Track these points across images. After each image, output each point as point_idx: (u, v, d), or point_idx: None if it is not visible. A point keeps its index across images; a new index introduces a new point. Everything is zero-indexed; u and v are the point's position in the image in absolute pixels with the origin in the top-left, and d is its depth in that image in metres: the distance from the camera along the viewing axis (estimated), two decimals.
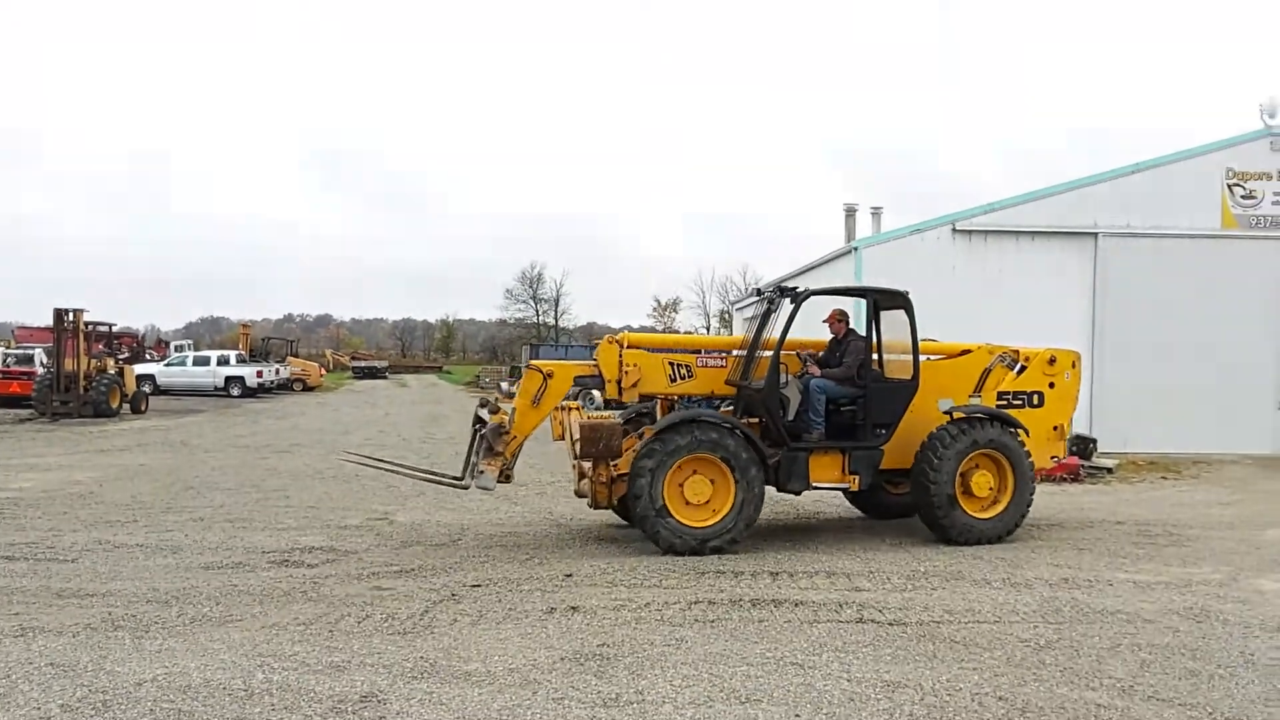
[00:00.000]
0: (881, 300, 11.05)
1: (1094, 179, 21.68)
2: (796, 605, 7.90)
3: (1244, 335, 21.29)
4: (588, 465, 10.48)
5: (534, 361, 11.84)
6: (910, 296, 10.82)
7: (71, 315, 29.66)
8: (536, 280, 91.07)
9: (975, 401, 11.10)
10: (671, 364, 10.74)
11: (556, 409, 10.85)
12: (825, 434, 10.44)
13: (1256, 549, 10.76)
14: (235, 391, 41.24)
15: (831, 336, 11.16)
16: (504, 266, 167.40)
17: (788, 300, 10.50)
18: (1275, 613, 8.01)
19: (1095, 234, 21.39)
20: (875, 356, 10.92)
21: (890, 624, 7.47)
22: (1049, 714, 5.68)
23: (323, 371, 55.51)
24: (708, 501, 9.98)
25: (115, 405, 30.16)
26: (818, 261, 26.12)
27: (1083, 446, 18.39)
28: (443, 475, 10.88)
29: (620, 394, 10.72)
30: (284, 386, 46.77)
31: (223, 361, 42.96)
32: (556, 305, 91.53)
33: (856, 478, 10.51)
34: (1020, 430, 10.80)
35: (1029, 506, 10.78)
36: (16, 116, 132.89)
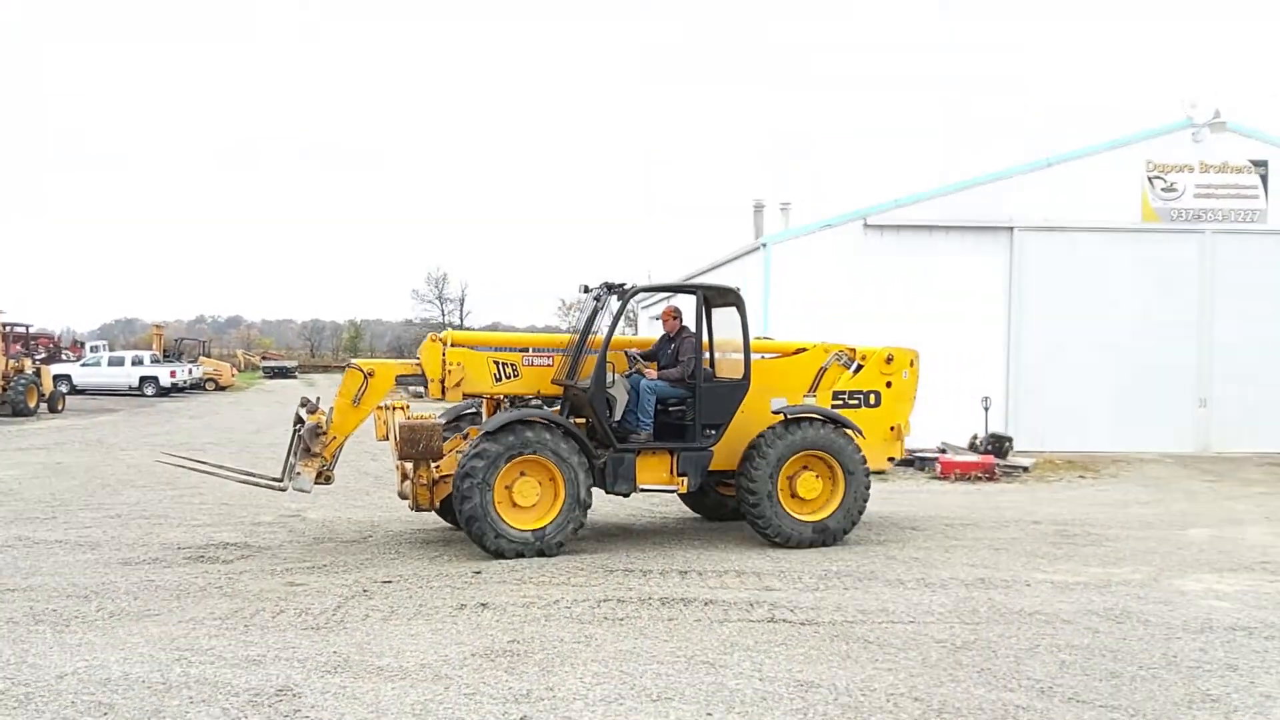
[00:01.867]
0: (713, 297, 10.87)
1: (1009, 171, 21.53)
2: (707, 604, 8.07)
3: (1165, 331, 21.23)
4: (410, 466, 10.32)
5: (355, 360, 11.71)
6: (741, 293, 10.76)
7: None
8: (442, 281, 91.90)
9: (810, 401, 10.98)
10: (497, 363, 10.54)
11: (380, 408, 10.60)
12: (654, 435, 10.30)
13: (1178, 549, 10.89)
14: (150, 391, 41.20)
15: (662, 334, 11.00)
16: (410, 268, 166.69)
17: (615, 298, 10.39)
18: (1197, 614, 8.06)
19: (1011, 228, 21.21)
20: (706, 355, 10.74)
21: (802, 624, 7.55)
22: (966, 715, 5.72)
23: (234, 371, 55.25)
24: (535, 504, 9.80)
25: (33, 405, 29.77)
26: (724, 259, 25.88)
27: (998, 445, 18.58)
28: (261, 476, 10.64)
29: (443, 394, 10.51)
30: (197, 386, 46.98)
31: (137, 362, 43.15)
32: (462, 305, 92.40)
33: (685, 479, 10.34)
34: (852, 430, 10.64)
35: (862, 509, 10.62)
36: None
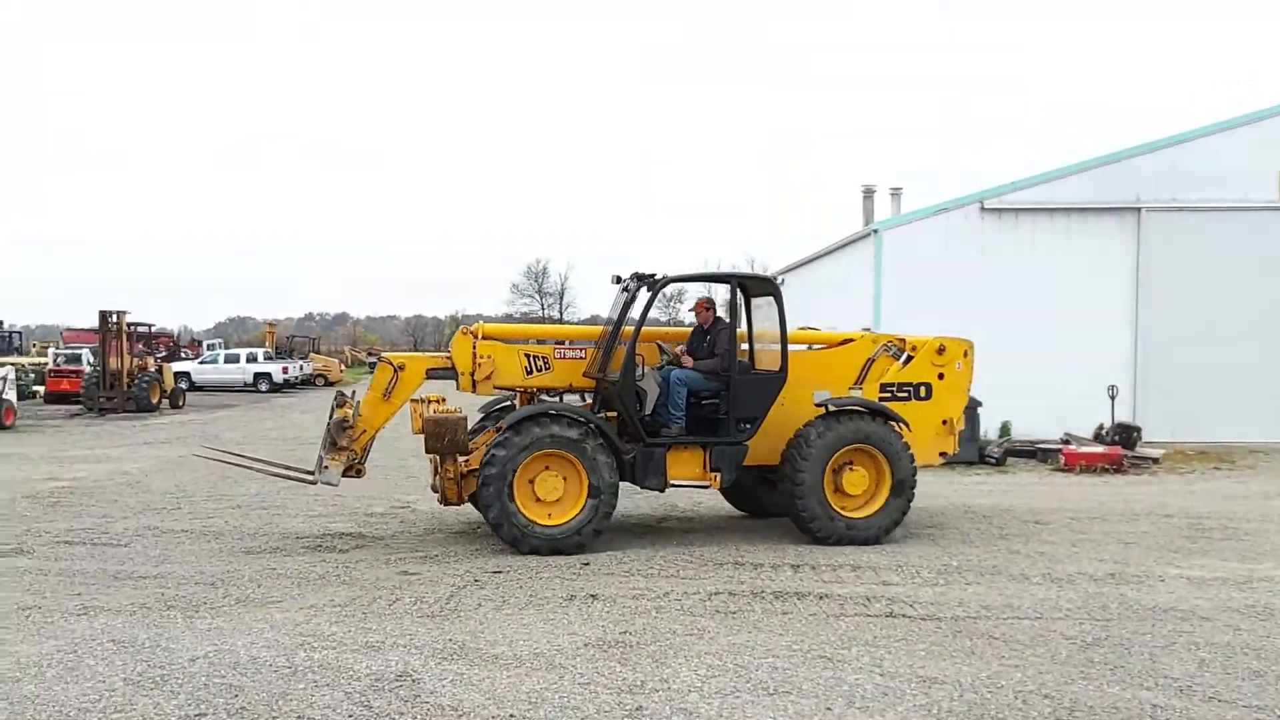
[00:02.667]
0: (751, 287, 10.58)
1: (1136, 150, 20.69)
2: (821, 598, 7.97)
3: None
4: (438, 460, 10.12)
5: (386, 354, 11.60)
6: (779, 283, 10.43)
7: (115, 317, 30.52)
8: (541, 274, 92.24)
9: (855, 394, 10.60)
10: (528, 356, 10.38)
11: (414, 401, 10.30)
12: (686, 429, 10.00)
13: None
14: (263, 387, 42.72)
15: (696, 326, 10.69)
16: (511, 263, 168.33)
17: (645, 289, 10.18)
18: None
19: (1138, 209, 20.41)
20: (745, 346, 10.52)
21: (923, 619, 7.40)
22: (1100, 713, 5.54)
23: (342, 367, 56.80)
24: (560, 499, 9.60)
25: (155, 401, 31.19)
26: (834, 246, 25.48)
27: (1126, 435, 17.98)
28: (294, 470, 10.66)
29: (474, 387, 10.34)
30: (307, 382, 48.41)
31: (251, 359, 44.97)
32: (561, 298, 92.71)
33: (718, 475, 10.01)
34: (898, 424, 10.28)
35: (909, 504, 10.23)
36: (57, 124, 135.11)
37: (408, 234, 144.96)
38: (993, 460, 17.58)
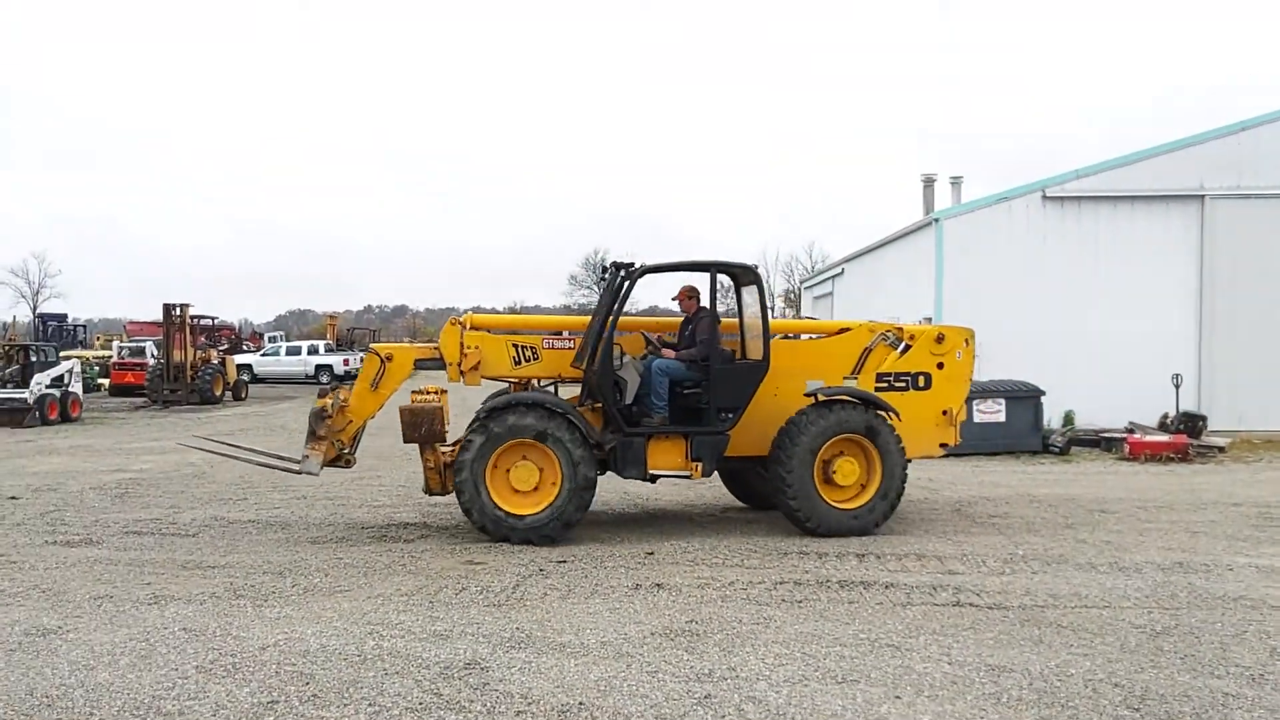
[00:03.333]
0: (740, 275, 10.38)
1: (1199, 138, 20.37)
2: (887, 587, 7.91)
3: None
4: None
5: (374, 345, 11.68)
6: (759, 271, 10.29)
7: (179, 310, 31.06)
8: (600, 264, 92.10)
9: (850, 383, 10.40)
10: (516, 346, 10.32)
11: (415, 393, 10.27)
12: (671, 418, 9.90)
13: None
14: (324, 379, 42.98)
15: (683, 315, 10.58)
16: (568, 254, 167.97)
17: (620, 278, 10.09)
18: None
19: (1201, 196, 20.06)
20: (737, 336, 10.43)
21: (990, 608, 7.34)
22: (1171, 701, 5.48)
23: None
24: (535, 489, 9.58)
25: (219, 393, 31.72)
26: (894, 235, 25.34)
27: (1191, 424, 17.81)
28: (280, 459, 10.73)
29: (461, 377, 10.28)
30: None
31: (313, 351, 45.40)
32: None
33: (699, 465, 9.86)
34: (889, 414, 10.05)
35: (900, 496, 10.02)
36: (122, 119, 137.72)
37: (465, 226, 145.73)
38: (1056, 449, 17.37)
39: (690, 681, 5.82)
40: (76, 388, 26.94)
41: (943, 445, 10.61)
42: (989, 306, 19.05)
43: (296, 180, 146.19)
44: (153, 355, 35.68)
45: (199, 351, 32.60)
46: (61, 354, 30.52)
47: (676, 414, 9.95)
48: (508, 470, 9.59)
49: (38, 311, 69.84)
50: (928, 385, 10.50)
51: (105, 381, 37.45)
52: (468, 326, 10.37)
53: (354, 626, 6.89)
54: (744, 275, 10.31)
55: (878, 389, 10.36)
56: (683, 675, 5.93)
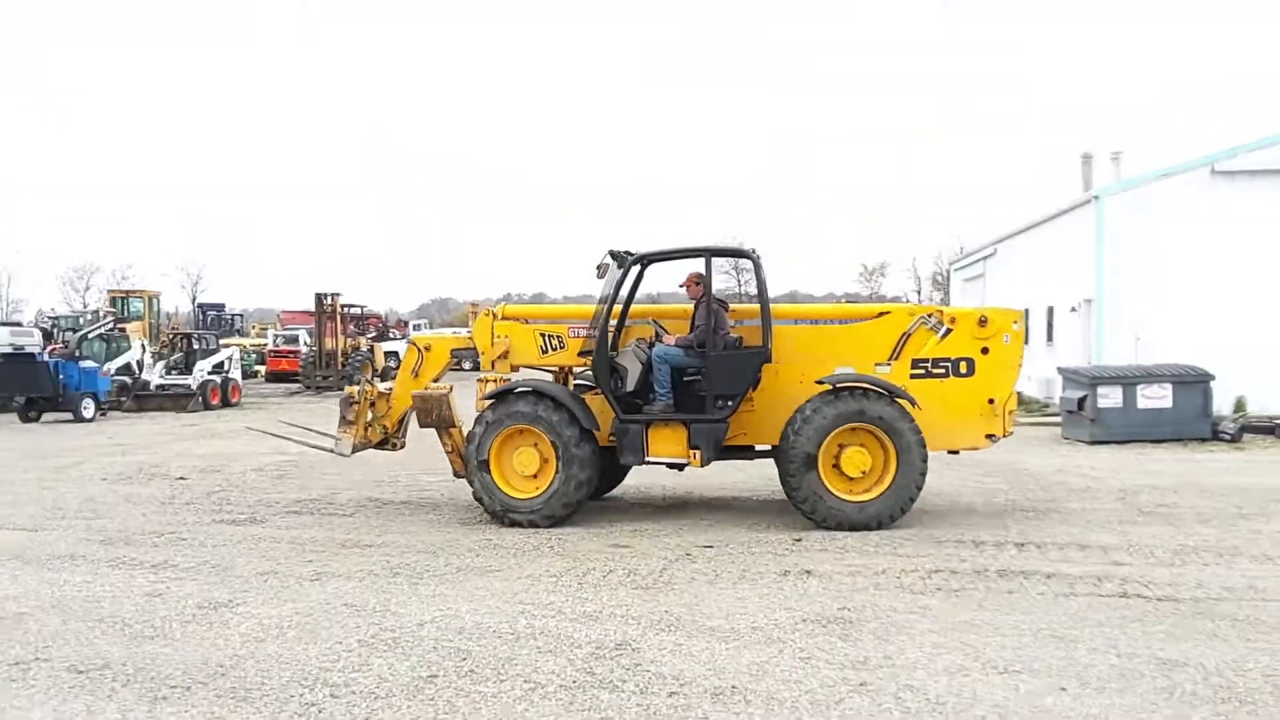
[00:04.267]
0: (738, 260, 10.21)
1: None
2: (1049, 577, 7.62)
3: None
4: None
5: (414, 336, 12.26)
6: (758, 254, 10.05)
7: (329, 299, 32.24)
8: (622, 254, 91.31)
9: (883, 370, 9.86)
10: (543, 335, 10.44)
11: (480, 380, 10.57)
12: (675, 406, 9.75)
13: None
14: (467, 365, 43.70)
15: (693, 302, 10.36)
16: (711, 240, 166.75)
17: (616, 266, 10.08)
18: None
19: None
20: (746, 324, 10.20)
21: (1159, 599, 7.02)
22: None
23: None
24: (537, 473, 9.77)
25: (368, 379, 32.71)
26: (1051, 214, 24.47)
27: None
28: (321, 439, 11.42)
29: (492, 366, 10.53)
30: None
31: None
32: (740, 275, 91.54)
33: (698, 453, 9.64)
34: (905, 401, 9.48)
35: (917, 490, 9.44)
36: (272, 117, 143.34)
37: (602, 211, 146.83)
38: (1227, 437, 16.48)
39: (845, 668, 5.72)
40: (236, 374, 28.27)
41: (990, 436, 9.91)
42: (1152, 287, 18.21)
43: (438, 171, 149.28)
44: (305, 343, 37.15)
45: (348, 339, 33.80)
46: (220, 342, 32.06)
47: (681, 401, 9.83)
48: (513, 456, 9.85)
49: (197, 302, 73.54)
50: (970, 372, 9.83)
51: (261, 368, 39.17)
52: (499, 317, 10.65)
53: (506, 605, 6.99)
54: (740, 259, 10.04)
55: (913, 375, 9.83)
56: (837, 662, 5.83)
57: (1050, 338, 24.78)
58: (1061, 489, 12.00)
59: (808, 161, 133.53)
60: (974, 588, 7.41)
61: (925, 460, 9.41)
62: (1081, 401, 16.84)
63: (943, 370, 9.81)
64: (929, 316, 9.97)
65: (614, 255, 10.26)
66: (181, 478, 13.30)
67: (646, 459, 9.82)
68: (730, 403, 9.69)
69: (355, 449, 10.81)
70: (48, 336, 29.00)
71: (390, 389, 11.18)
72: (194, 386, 25.93)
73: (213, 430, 20.61)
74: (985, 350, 9.81)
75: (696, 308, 10.16)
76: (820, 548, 8.76)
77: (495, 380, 10.46)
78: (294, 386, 33.63)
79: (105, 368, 25.12)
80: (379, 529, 9.77)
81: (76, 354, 24.23)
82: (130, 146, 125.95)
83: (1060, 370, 18.18)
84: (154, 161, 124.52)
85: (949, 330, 9.88)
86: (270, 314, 70.82)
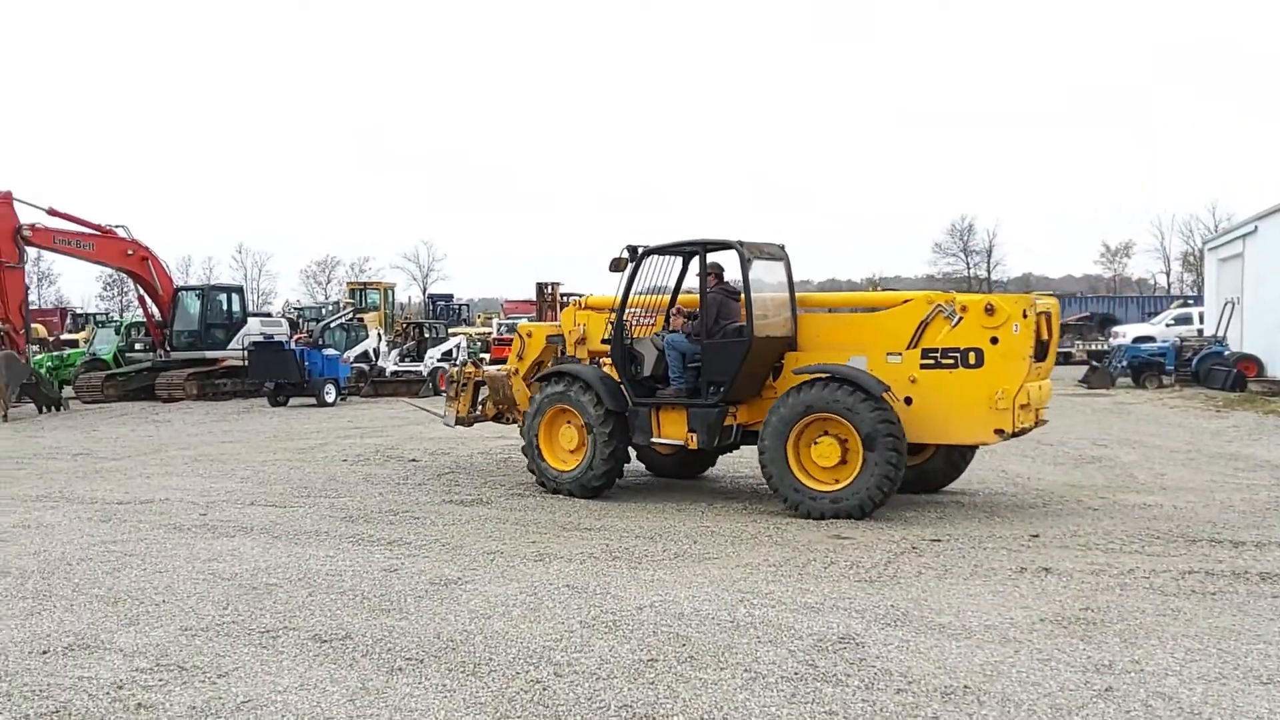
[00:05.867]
0: (756, 253, 10.13)
1: None
2: None
3: None
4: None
5: (520, 325, 14.11)
6: (740, 245, 9.93)
7: (550, 288, 33.15)
8: (967, 232, 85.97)
9: (894, 362, 9.58)
10: (611, 324, 10.91)
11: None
12: (691, 390, 10.24)
13: None
14: None
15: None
16: (932, 219, 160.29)
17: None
18: None
19: None
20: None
21: None
22: None
23: None
24: (575, 449, 10.71)
25: None
26: None
27: None
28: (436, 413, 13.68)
29: (574, 350, 11.57)
30: None
31: None
32: (989, 257, 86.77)
33: (694, 436, 10.06)
34: (864, 390, 9.21)
35: (889, 482, 9.13)
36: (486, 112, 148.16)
37: (819, 196, 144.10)
38: None
39: (1088, 672, 5.37)
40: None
41: (998, 432, 9.34)
42: None
43: (654, 156, 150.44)
44: None
45: None
46: (449, 331, 33.44)
47: (695, 386, 10.28)
48: (558, 433, 10.91)
49: (427, 292, 77.26)
50: (979, 363, 9.32)
51: (487, 356, 40.71)
52: (582, 306, 11.84)
53: (724, 593, 6.93)
54: (725, 251, 10.40)
55: (923, 365, 9.54)
56: (1079, 665, 5.48)
57: None
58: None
59: (1047, 137, 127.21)
60: (1233, 590, 6.83)
61: (897, 451, 9.15)
62: None
63: (951, 360, 9.46)
64: (946, 305, 9.58)
65: (629, 249, 10.75)
66: (414, 460, 13.92)
67: (654, 440, 10.58)
68: (720, 388, 9.99)
69: (460, 422, 12.66)
70: (293, 326, 31.02)
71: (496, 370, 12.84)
72: (425, 373, 27.19)
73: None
74: (994, 340, 9.34)
75: (704, 296, 10.46)
76: (1060, 544, 8.27)
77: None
78: None
79: (345, 355, 26.70)
80: (598, 513, 9.91)
81: (320, 342, 25.82)
82: (359, 142, 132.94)
83: None
84: (387, 156, 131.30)
85: (960, 319, 9.52)
86: (494, 303, 73.64)
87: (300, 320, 37.58)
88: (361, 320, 32.53)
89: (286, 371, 23.83)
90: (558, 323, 12.22)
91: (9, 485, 12.24)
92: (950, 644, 5.85)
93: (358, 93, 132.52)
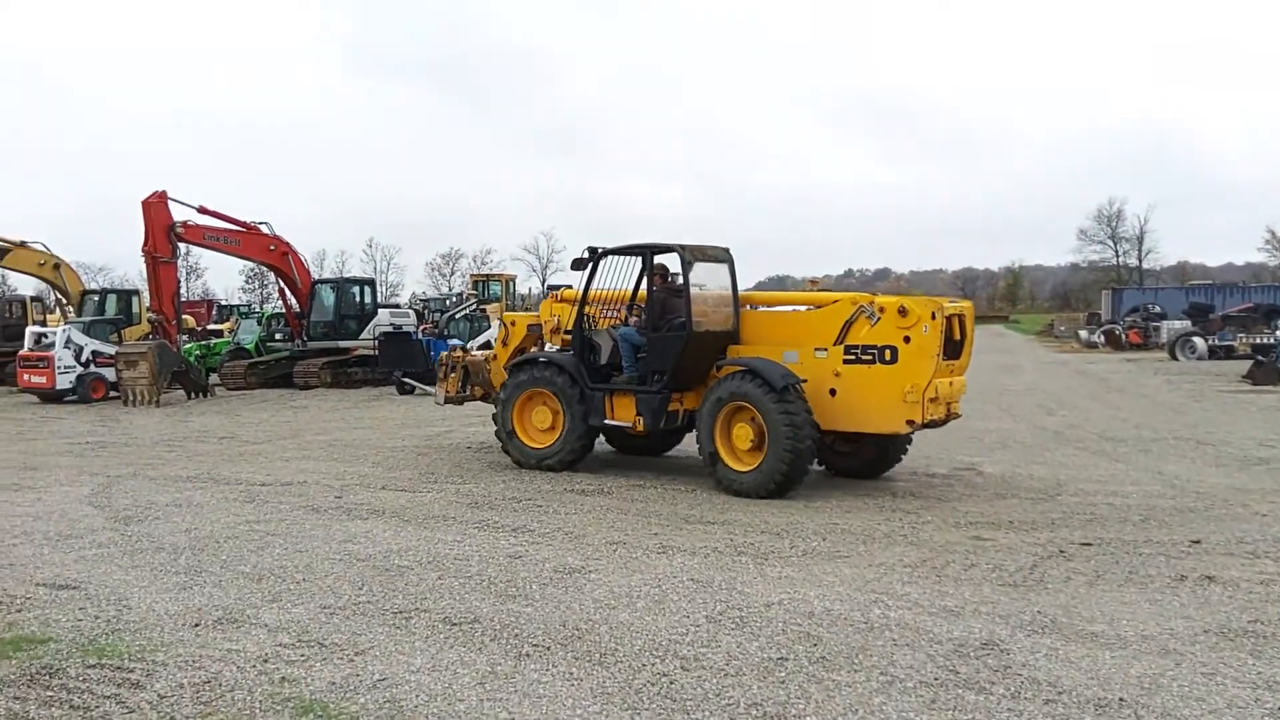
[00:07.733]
0: (697, 255, 11.01)
1: None
2: None
3: None
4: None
5: (505, 314, 15.62)
6: (681, 248, 10.83)
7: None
8: (1115, 218, 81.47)
9: (821, 356, 10.40)
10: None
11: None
12: (636, 378, 11.23)
13: None
14: None
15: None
16: (1078, 204, 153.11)
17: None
18: None
19: None
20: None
21: None
22: None
23: None
24: (549, 429, 11.75)
25: None
26: None
27: None
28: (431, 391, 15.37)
29: (550, 337, 12.66)
30: None
31: None
32: (1140, 245, 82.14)
33: (641, 419, 11.11)
34: (766, 381, 10.08)
35: (791, 464, 9.86)
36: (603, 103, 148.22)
37: (950, 179, 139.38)
38: None
39: (1258, 689, 4.99)
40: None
41: (910, 422, 10.07)
42: None
43: (772, 146, 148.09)
44: None
45: None
46: None
47: (645, 375, 11.23)
48: (531, 415, 11.91)
49: (546, 283, 78.05)
50: (894, 359, 10.06)
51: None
52: (558, 299, 13.04)
53: (857, 593, 6.65)
54: (689, 254, 10.93)
55: (846, 360, 10.33)
56: (1247, 680, 5.09)
57: None
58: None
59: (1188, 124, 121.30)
60: None
61: (798, 439, 9.85)
62: None
63: (870, 357, 10.20)
64: (867, 306, 10.30)
65: (589, 250, 11.74)
66: None
67: (606, 421, 11.44)
68: (662, 377, 10.92)
69: (449, 400, 13.86)
70: (420, 317, 31.54)
71: (479, 355, 14.09)
72: None
73: None
74: (907, 339, 10.03)
75: (650, 294, 11.45)
76: (1224, 551, 7.73)
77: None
78: None
79: (469, 345, 27.06)
80: (721, 507, 9.69)
81: (445, 333, 26.20)
82: (482, 137, 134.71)
83: None
84: (509, 152, 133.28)
85: (879, 319, 10.20)
86: None
87: (425, 311, 38.29)
88: (484, 311, 32.88)
89: (414, 361, 24.21)
90: (537, 313, 13.39)
91: (163, 466, 12.70)
92: (1103, 654, 5.48)
93: (476, 89, 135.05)
